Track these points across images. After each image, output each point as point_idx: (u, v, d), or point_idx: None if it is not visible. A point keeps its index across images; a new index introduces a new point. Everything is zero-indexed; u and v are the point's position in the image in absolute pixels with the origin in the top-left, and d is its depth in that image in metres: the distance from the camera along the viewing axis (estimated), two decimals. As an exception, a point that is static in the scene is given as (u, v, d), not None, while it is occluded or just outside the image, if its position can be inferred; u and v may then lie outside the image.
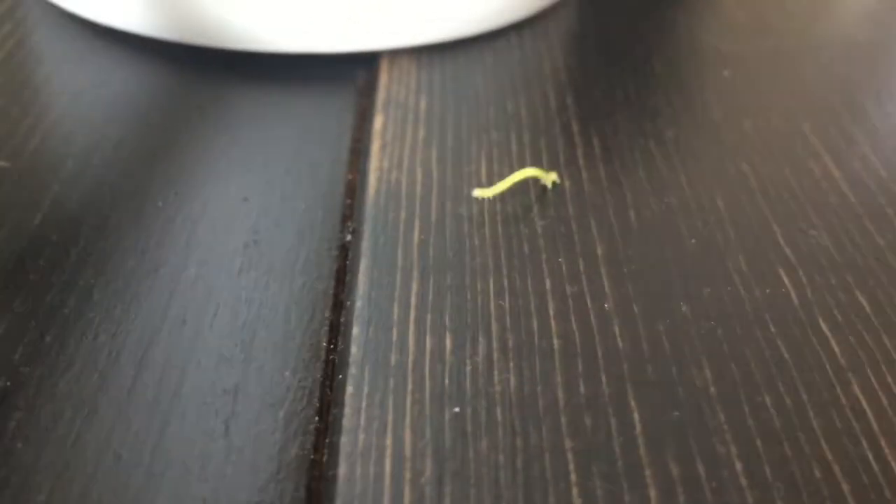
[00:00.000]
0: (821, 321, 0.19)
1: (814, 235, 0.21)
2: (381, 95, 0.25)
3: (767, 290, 0.19)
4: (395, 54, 0.27)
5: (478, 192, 0.21)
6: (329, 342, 0.18)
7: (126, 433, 0.16)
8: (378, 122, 0.24)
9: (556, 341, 0.18)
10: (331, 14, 0.26)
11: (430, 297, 0.19)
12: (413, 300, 0.18)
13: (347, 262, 0.20)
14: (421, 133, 0.24)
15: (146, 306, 0.18)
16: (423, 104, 0.25)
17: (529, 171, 0.21)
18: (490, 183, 0.22)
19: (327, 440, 0.16)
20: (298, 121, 0.24)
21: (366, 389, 0.16)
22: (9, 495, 0.14)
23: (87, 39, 0.27)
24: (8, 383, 0.16)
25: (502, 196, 0.21)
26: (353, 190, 0.22)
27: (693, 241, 0.20)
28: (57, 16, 0.28)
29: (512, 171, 0.22)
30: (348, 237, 0.20)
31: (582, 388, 0.17)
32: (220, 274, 0.19)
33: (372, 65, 0.27)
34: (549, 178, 0.22)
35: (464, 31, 0.28)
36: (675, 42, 0.29)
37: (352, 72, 0.27)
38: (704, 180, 0.22)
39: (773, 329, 0.18)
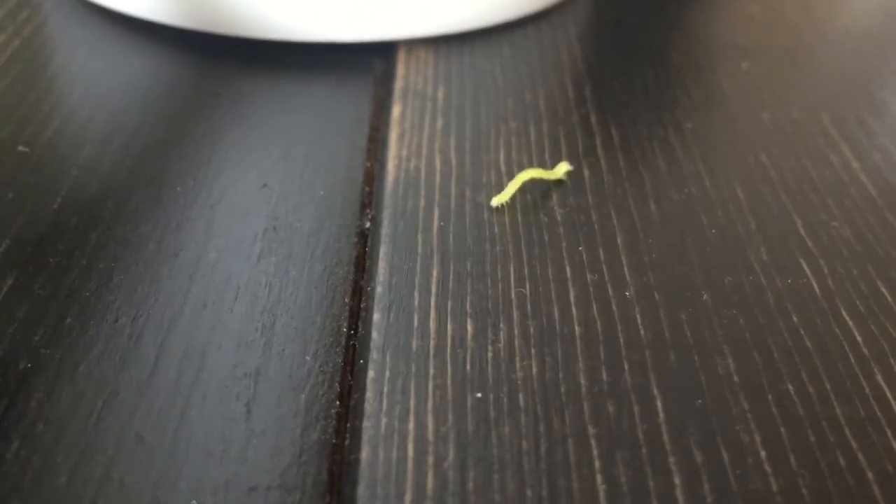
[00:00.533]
0: (843, 311, 0.18)
1: (834, 226, 0.21)
2: (398, 84, 0.25)
3: (789, 280, 0.19)
4: (413, 44, 0.27)
5: (495, 202, 0.20)
6: (349, 327, 0.18)
7: (147, 415, 0.16)
8: (396, 110, 0.24)
9: (577, 328, 0.18)
10: (350, 3, 0.26)
11: (451, 283, 0.18)
12: (433, 286, 0.18)
13: (367, 249, 0.20)
14: (439, 122, 0.24)
15: (166, 290, 0.18)
16: (440, 93, 0.25)
17: (533, 172, 0.21)
18: (509, 172, 0.22)
19: (349, 424, 0.16)
20: (316, 109, 0.24)
21: (387, 374, 0.16)
22: (31, 477, 0.14)
23: (103, 27, 0.27)
24: (29, 365, 0.16)
25: (522, 185, 0.21)
26: (372, 178, 0.22)
27: (714, 231, 0.20)
28: (72, 3, 0.28)
29: (531, 160, 0.22)
30: (367, 224, 0.20)
31: (604, 376, 0.17)
32: (240, 259, 0.19)
33: (389, 54, 0.27)
34: (556, 174, 0.21)
35: (481, 22, 0.28)
36: (691, 35, 0.29)
37: (369, 61, 0.27)
38: (724, 171, 0.22)
39: (795, 318, 0.18)
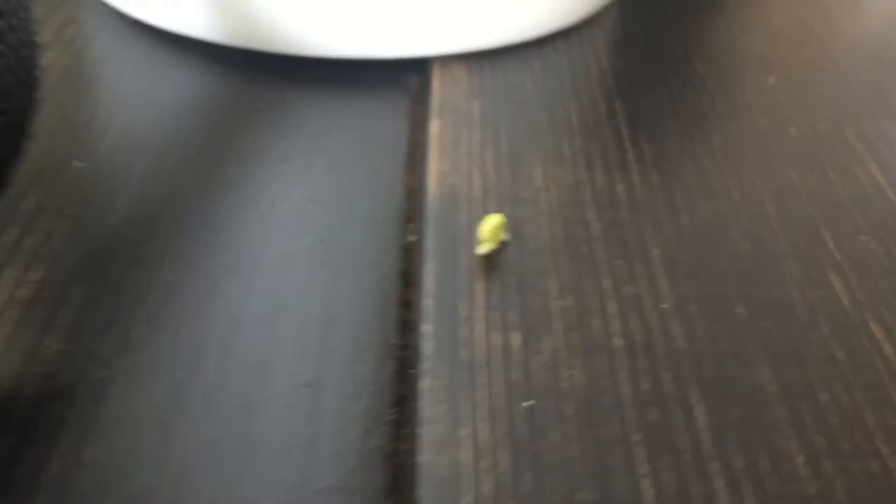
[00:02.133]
0: (871, 324, 0.19)
1: (863, 240, 0.21)
2: (435, 100, 0.26)
3: (819, 294, 0.20)
4: (446, 60, 0.28)
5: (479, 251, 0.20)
6: (400, 338, 0.19)
7: (218, 421, 0.16)
8: (434, 126, 0.25)
9: (617, 340, 0.18)
10: (386, 21, 0.27)
11: (495, 295, 0.19)
12: (478, 299, 0.19)
13: (412, 263, 0.20)
14: (476, 137, 0.24)
15: (224, 302, 0.19)
16: (476, 109, 0.26)
17: (497, 219, 0.21)
18: (546, 187, 0.23)
19: (405, 431, 0.17)
20: (355, 124, 0.25)
21: (440, 383, 0.17)
22: (113, 481, 0.15)
23: (147, 44, 0.28)
24: (103, 375, 0.17)
25: (559, 200, 0.22)
26: (413, 192, 0.23)
27: (745, 245, 0.21)
28: (118, 21, 0.29)
29: (565, 176, 0.23)
30: (411, 237, 0.21)
31: (646, 385, 0.17)
32: (293, 271, 0.20)
33: (423, 70, 0.28)
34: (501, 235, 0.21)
35: (512, 38, 0.29)
36: (717, 48, 0.30)
37: (404, 77, 0.28)
38: (753, 186, 0.23)
39: (825, 330, 0.19)
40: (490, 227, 0.20)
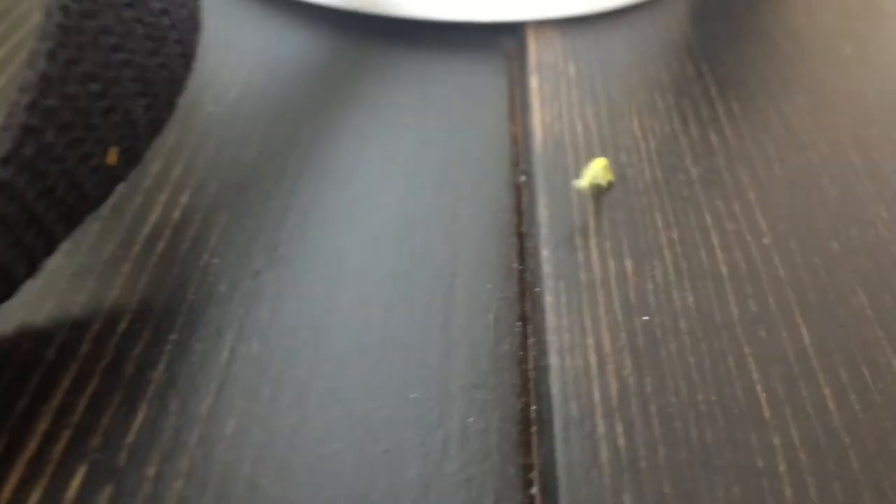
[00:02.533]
0: (960, 261, 0.20)
1: (948, 188, 0.23)
2: (532, 59, 0.28)
3: (909, 234, 0.21)
4: (540, 25, 0.29)
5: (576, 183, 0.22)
6: (519, 264, 0.20)
7: (362, 325, 0.18)
8: (534, 81, 0.26)
9: (723, 268, 0.20)
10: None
11: (606, 227, 0.21)
12: (591, 230, 0.21)
13: (524, 199, 0.22)
14: (574, 93, 0.26)
15: (361, 228, 0.21)
16: (571, 69, 0.27)
17: (603, 161, 0.22)
18: (644, 136, 0.24)
19: (532, 340, 0.18)
20: (456, 82, 0.27)
21: (563, 299, 0.19)
22: (274, 370, 0.17)
23: (260, 9, 0.30)
24: (254, 283, 0.19)
25: (658, 148, 0.23)
26: (517, 140, 0.24)
27: (835, 190, 0.22)
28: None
29: (662, 128, 0.25)
30: (522, 178, 0.23)
31: (753, 307, 0.19)
32: (419, 204, 0.21)
33: (517, 34, 0.29)
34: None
35: (602, 6, 0.30)
36: (795, 21, 0.31)
37: (497, 40, 0.29)
38: (839, 140, 0.24)
39: (917, 266, 0.20)
40: (599, 168, 0.22)
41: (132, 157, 0.17)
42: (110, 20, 0.14)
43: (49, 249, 0.16)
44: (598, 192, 0.21)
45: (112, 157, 0.15)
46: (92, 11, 0.14)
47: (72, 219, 0.15)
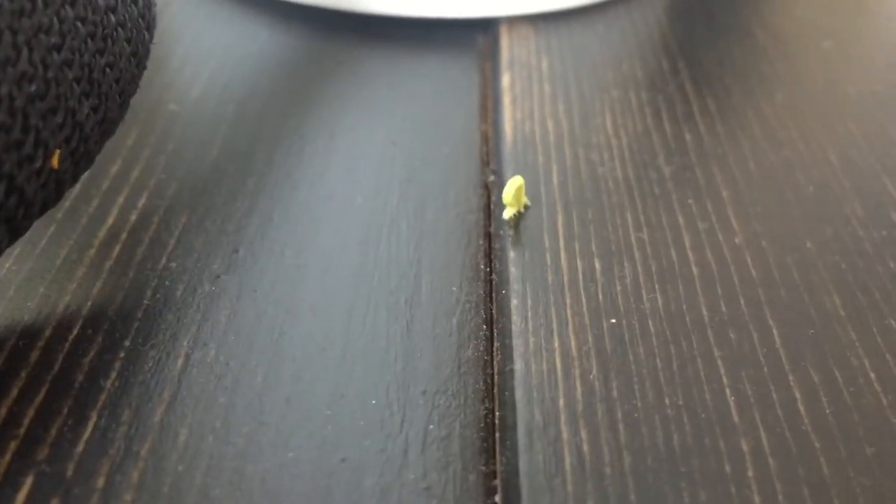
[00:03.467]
0: (935, 260, 0.20)
1: (924, 185, 0.22)
2: (504, 56, 0.27)
3: (884, 233, 0.21)
4: (513, 21, 0.29)
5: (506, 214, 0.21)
6: (486, 265, 0.20)
7: (324, 330, 0.18)
8: (506, 79, 0.26)
9: (694, 269, 0.19)
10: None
11: (575, 227, 0.20)
12: (560, 230, 0.20)
13: (494, 199, 0.22)
14: (546, 90, 0.25)
15: (324, 229, 0.20)
16: (544, 65, 0.27)
17: (519, 181, 0.21)
18: (616, 134, 0.24)
19: (497, 344, 0.18)
20: (428, 79, 0.26)
21: (529, 302, 0.18)
22: (230, 377, 0.16)
23: (229, 4, 0.29)
24: (213, 288, 0.18)
25: (630, 145, 0.23)
26: (488, 138, 0.24)
27: (811, 188, 0.22)
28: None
29: (634, 125, 0.24)
30: (491, 177, 0.22)
31: (723, 308, 0.18)
32: (383, 204, 0.21)
33: (490, 30, 0.29)
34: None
35: (578, 1, 0.30)
36: (774, 16, 0.31)
37: (471, 36, 0.29)
38: (816, 137, 0.24)
39: (892, 265, 0.20)
40: (516, 191, 0.20)
41: (81, 160, 0.16)
42: (48, 19, 0.13)
43: (-7, 254, 0.15)
44: (519, 218, 0.21)
45: (56, 160, 0.15)
46: (27, 10, 0.13)
47: (13, 223, 0.15)
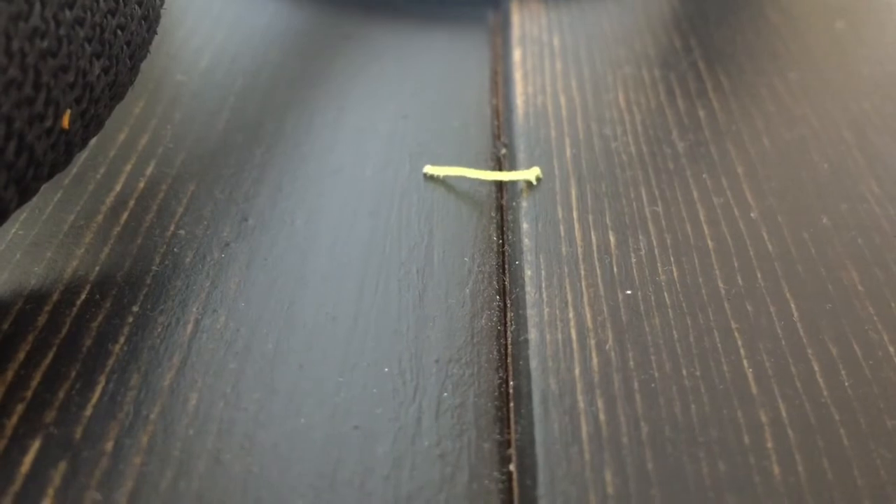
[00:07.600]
0: (952, 237, 0.20)
1: (941, 163, 0.22)
2: (515, 32, 0.27)
3: (901, 209, 0.21)
4: (524, -3, 0.29)
5: (428, 169, 0.21)
6: (499, 237, 0.19)
7: (336, 299, 0.17)
8: (517, 54, 0.26)
9: (710, 242, 0.19)
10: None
11: (589, 200, 0.20)
12: (574, 202, 0.20)
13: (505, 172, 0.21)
14: (558, 65, 0.25)
15: (335, 200, 0.20)
16: (556, 41, 0.26)
17: (500, 175, 0.20)
18: (629, 109, 0.23)
19: (511, 314, 0.17)
20: (439, 54, 0.26)
21: (543, 273, 0.18)
22: (241, 344, 0.16)
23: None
24: (222, 255, 0.18)
25: (643, 121, 0.23)
26: (499, 112, 0.24)
27: (826, 165, 0.22)
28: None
29: (647, 101, 0.24)
30: (503, 151, 0.22)
31: (740, 281, 0.18)
32: (394, 177, 0.21)
33: (501, 6, 0.28)
34: (528, 175, 0.20)
35: (587, -21, 0.29)
36: (785, -4, 0.31)
37: (483, 13, 0.28)
38: (830, 116, 0.24)
39: (909, 241, 0.20)
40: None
41: (91, 123, 0.16)
42: (60, -27, 0.13)
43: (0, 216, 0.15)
44: (532, 189, 0.20)
45: (66, 120, 0.14)
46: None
47: (22, 184, 0.14)
